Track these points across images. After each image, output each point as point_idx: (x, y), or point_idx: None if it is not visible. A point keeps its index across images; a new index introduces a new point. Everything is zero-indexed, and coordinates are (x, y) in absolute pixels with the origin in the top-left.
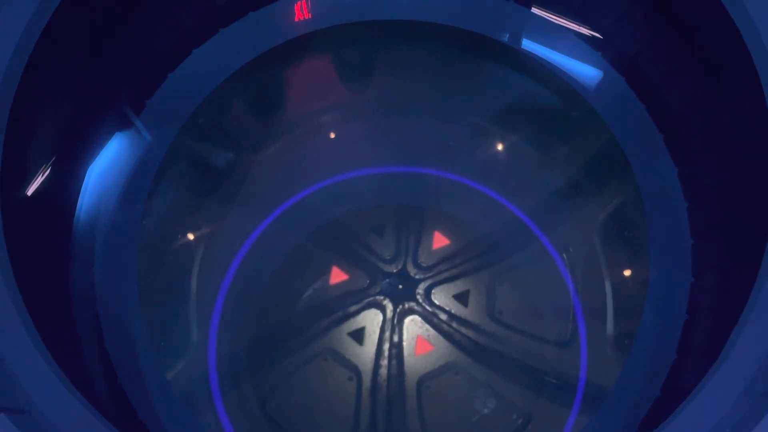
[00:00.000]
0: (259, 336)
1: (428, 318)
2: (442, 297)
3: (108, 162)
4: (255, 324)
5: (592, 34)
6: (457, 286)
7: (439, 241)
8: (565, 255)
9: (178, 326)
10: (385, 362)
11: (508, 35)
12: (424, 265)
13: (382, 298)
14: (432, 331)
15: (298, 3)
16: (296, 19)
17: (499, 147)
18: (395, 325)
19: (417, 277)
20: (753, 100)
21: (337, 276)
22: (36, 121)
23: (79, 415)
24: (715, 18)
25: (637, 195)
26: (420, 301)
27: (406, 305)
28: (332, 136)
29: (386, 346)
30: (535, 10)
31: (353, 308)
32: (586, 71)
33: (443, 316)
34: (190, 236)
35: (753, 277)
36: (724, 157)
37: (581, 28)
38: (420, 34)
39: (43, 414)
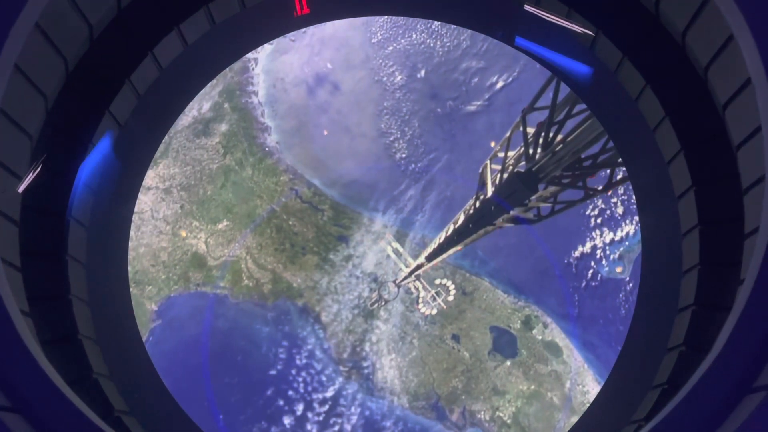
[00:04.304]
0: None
1: None
2: None
3: (99, 160)
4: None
5: (584, 32)
6: None
7: None
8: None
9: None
10: None
11: (501, 33)
12: None
13: None
14: None
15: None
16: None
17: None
18: None
19: None
20: (742, 99)
21: None
22: (27, 118)
23: (72, 413)
24: (704, 18)
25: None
26: None
27: None
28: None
29: None
30: (527, 8)
31: None
32: (577, 68)
33: None
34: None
35: (742, 273)
36: (713, 154)
37: (573, 25)
38: None
39: (36, 412)
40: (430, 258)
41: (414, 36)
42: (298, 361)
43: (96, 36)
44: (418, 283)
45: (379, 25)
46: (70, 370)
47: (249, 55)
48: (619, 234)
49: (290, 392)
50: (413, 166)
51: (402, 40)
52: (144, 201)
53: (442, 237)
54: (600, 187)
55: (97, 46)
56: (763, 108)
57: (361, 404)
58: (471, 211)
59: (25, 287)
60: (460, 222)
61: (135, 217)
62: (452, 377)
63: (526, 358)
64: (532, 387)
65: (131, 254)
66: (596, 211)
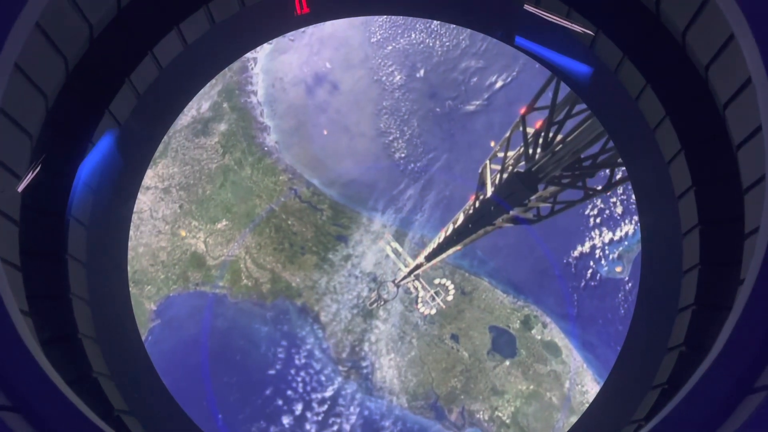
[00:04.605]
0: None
1: None
2: None
3: (99, 159)
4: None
5: (584, 31)
6: None
7: None
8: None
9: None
10: None
11: (501, 32)
12: None
13: None
14: None
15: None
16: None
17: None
18: None
19: None
20: (743, 99)
21: None
22: (27, 117)
23: (72, 412)
24: (704, 18)
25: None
26: None
27: None
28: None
29: None
30: (527, 8)
31: None
32: (577, 67)
33: None
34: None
35: (742, 273)
36: (713, 154)
37: (573, 24)
38: None
39: (36, 412)
40: (429, 258)
41: (413, 35)
42: (297, 361)
43: (96, 35)
44: (417, 283)
45: (379, 24)
46: (69, 370)
47: (248, 54)
48: (618, 234)
49: (289, 392)
50: (412, 165)
51: (401, 40)
52: (143, 200)
53: (441, 237)
54: (600, 187)
55: (97, 46)
56: (764, 107)
57: (360, 404)
58: (470, 211)
59: (25, 286)
60: (459, 222)
61: (134, 217)
62: (451, 377)
63: (525, 358)
64: (531, 387)
65: (130, 254)
66: (595, 211)
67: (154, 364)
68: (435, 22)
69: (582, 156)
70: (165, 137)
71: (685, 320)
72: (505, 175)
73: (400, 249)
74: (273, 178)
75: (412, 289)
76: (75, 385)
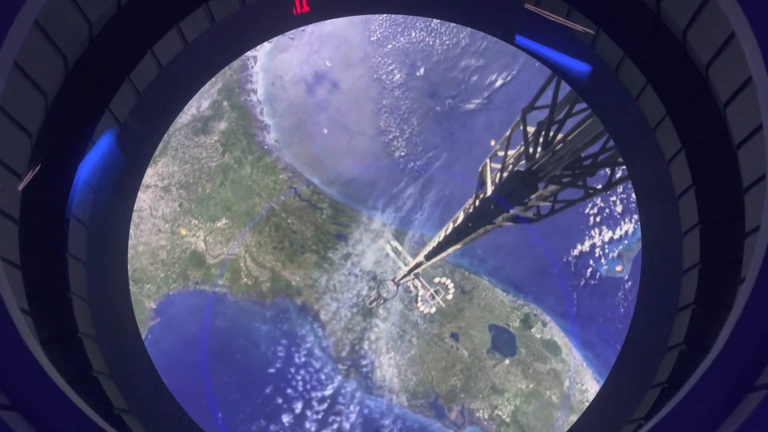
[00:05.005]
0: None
1: None
2: None
3: (99, 158)
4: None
5: (585, 30)
6: None
7: None
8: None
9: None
10: None
11: (501, 31)
12: None
13: None
14: None
15: None
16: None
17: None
18: None
19: None
20: (743, 98)
21: None
22: (26, 116)
23: (71, 411)
24: (705, 16)
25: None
26: None
27: None
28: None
29: None
30: (528, 7)
31: None
32: (577, 66)
33: None
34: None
35: (742, 272)
36: (714, 152)
37: (573, 23)
38: None
39: (36, 411)
40: (429, 256)
41: (413, 34)
42: (296, 360)
43: (95, 34)
44: (417, 282)
45: (378, 23)
46: (69, 369)
47: (248, 53)
48: (618, 232)
49: (289, 390)
50: (412, 164)
51: (401, 38)
52: (143, 199)
53: (441, 235)
54: (600, 186)
55: (97, 44)
56: (764, 106)
57: (359, 402)
58: (470, 210)
59: (24, 285)
60: (459, 221)
61: (134, 215)
62: (451, 376)
63: (524, 356)
64: (531, 385)
65: (130, 252)
66: (595, 210)
67: (154, 362)
68: (435, 20)
69: (582, 155)
70: (165, 136)
71: (685, 319)
72: (505, 174)
73: (399, 248)
74: (273, 176)
75: (411, 288)
76: (75, 384)
